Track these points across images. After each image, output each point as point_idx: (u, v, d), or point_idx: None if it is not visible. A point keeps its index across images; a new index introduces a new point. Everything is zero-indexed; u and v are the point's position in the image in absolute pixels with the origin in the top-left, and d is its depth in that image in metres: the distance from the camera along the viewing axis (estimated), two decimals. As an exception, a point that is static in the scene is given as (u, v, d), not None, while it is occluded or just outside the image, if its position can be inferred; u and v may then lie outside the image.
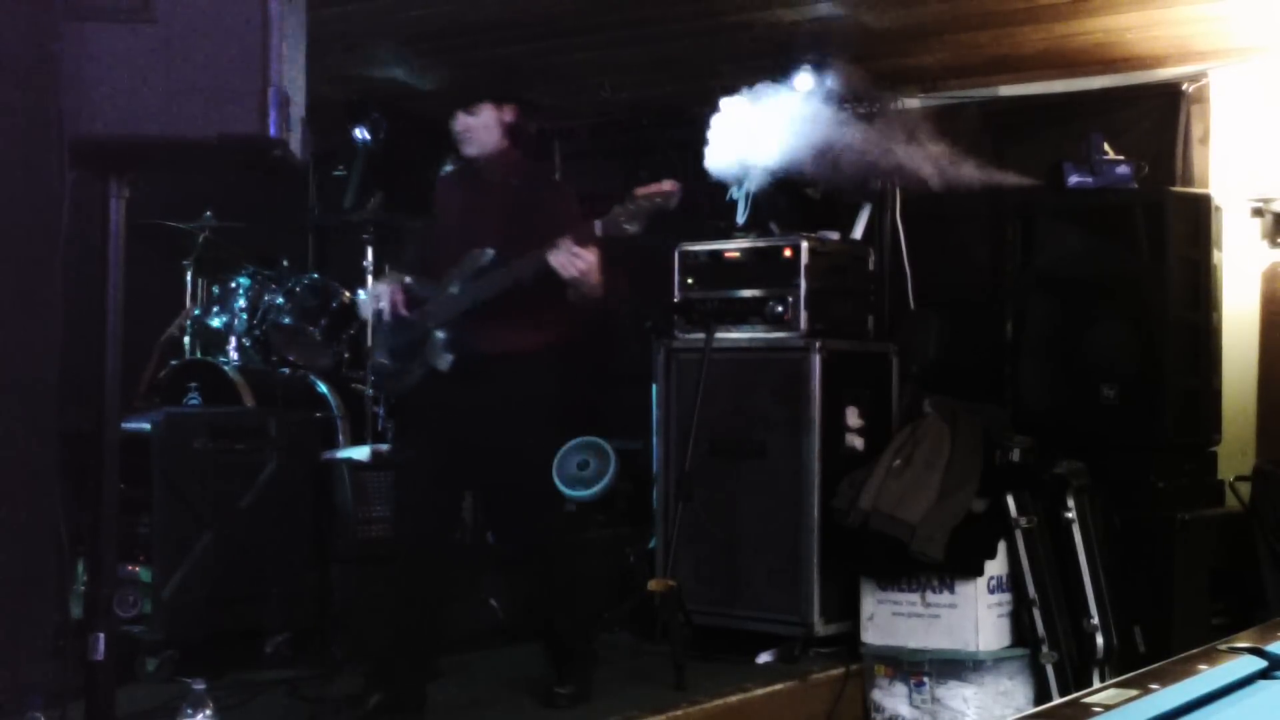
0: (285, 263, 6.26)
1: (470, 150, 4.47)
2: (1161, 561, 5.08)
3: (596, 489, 6.48)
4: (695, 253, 5.68)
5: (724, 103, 5.42)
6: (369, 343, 4.91)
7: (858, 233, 6.11)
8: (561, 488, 6.60)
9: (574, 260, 4.13)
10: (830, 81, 5.51)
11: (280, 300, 5.92)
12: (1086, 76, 5.93)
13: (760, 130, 5.34)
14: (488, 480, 4.57)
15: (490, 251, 4.30)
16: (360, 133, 6.52)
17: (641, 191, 4.19)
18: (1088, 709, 1.65)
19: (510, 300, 4.24)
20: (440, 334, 4.34)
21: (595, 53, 6.00)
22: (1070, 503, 5.05)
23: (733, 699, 4.62)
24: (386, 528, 5.18)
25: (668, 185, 4.20)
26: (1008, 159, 5.80)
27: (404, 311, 4.42)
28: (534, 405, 4.42)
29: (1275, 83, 5.64)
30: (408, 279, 4.51)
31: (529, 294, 4.23)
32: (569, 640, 4.55)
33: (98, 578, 2.78)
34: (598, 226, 4.17)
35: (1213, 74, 5.75)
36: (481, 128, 4.42)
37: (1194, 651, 1.97)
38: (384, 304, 4.43)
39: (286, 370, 5.89)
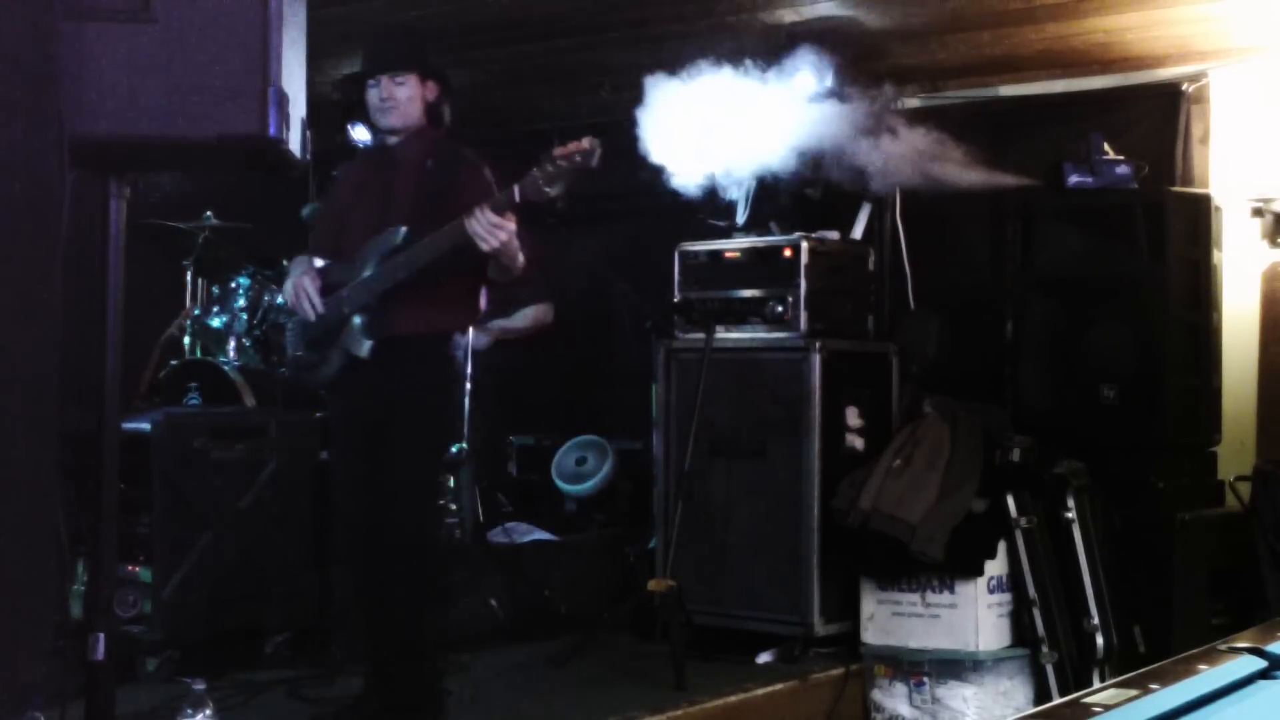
0: (285, 263, 6.25)
1: (390, 120, 4.24)
2: (1161, 561, 5.08)
3: (592, 483, 6.50)
4: (695, 253, 5.68)
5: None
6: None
7: (858, 233, 6.11)
8: (560, 485, 6.61)
9: (493, 230, 3.89)
10: (830, 80, 5.51)
11: (280, 300, 5.92)
12: (1086, 76, 5.93)
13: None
14: (390, 461, 4.15)
15: (403, 229, 4.10)
16: (360, 133, 6.51)
17: (560, 151, 3.92)
18: (1088, 709, 1.65)
19: (427, 278, 4.04)
20: (357, 319, 4.13)
21: (595, 53, 6.00)
22: (1070, 503, 5.06)
23: (733, 699, 4.62)
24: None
25: (586, 143, 3.91)
26: (1008, 159, 5.80)
27: (319, 300, 4.18)
28: (443, 385, 4.30)
29: (1275, 83, 5.64)
30: (318, 262, 4.28)
31: (446, 271, 4.05)
32: (402, 679, 4.08)
33: (98, 578, 2.78)
34: (515, 192, 3.92)
35: (1213, 74, 5.75)
36: (406, 99, 4.22)
37: (1194, 651, 1.97)
38: (306, 302, 4.17)
39: (286, 370, 5.89)
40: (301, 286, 4.19)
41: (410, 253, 4.05)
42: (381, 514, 4.10)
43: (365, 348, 4.11)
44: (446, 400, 4.31)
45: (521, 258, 4.09)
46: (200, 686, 3.37)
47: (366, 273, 4.13)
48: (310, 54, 2.93)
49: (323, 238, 4.40)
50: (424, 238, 4.04)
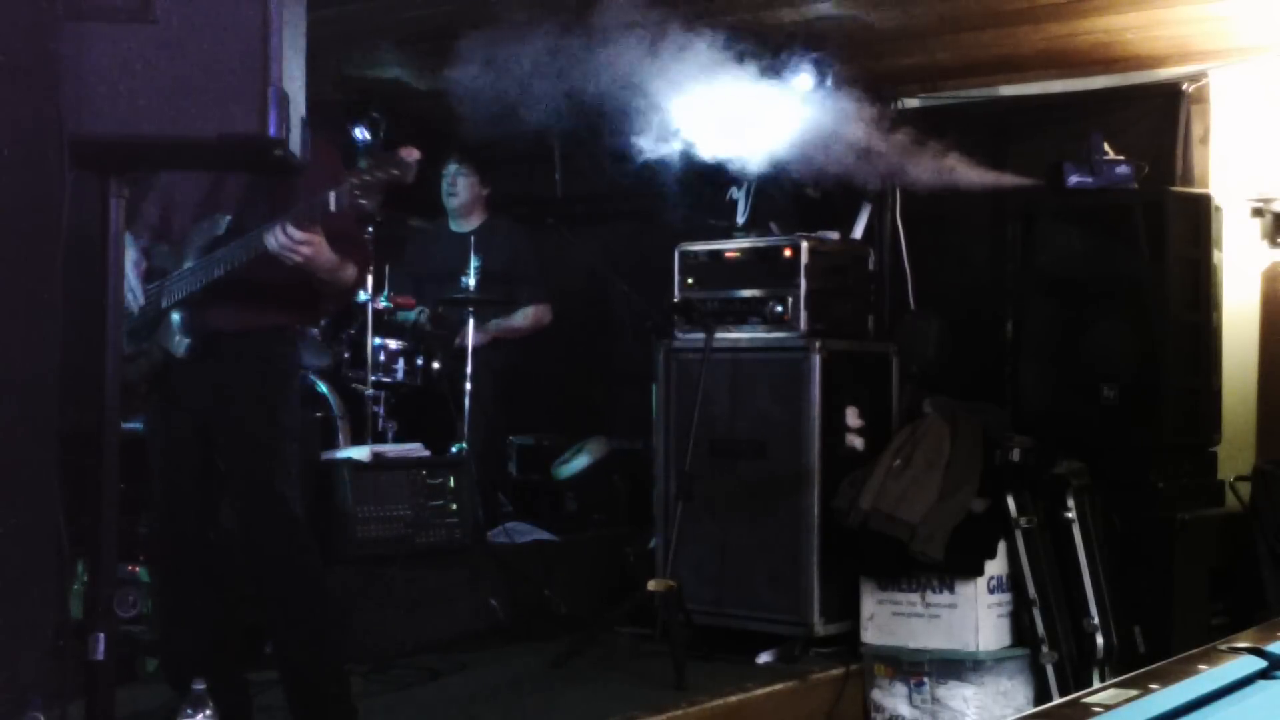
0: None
1: None
2: (1161, 561, 5.09)
3: (575, 463, 6.49)
4: (695, 253, 5.68)
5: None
6: None
7: (858, 233, 6.12)
8: (554, 473, 6.61)
9: (293, 248, 3.56)
10: (830, 80, 5.51)
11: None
12: (1086, 76, 5.94)
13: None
14: (227, 471, 3.86)
15: (225, 219, 3.74)
16: (360, 133, 6.52)
17: (377, 160, 3.64)
18: (1088, 709, 1.65)
19: (252, 274, 3.70)
20: (176, 315, 3.80)
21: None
22: (1070, 503, 5.06)
23: (733, 699, 4.62)
24: (387, 527, 5.19)
25: (404, 153, 3.61)
26: (1008, 159, 5.80)
27: (139, 288, 3.86)
28: (273, 387, 3.86)
29: (1275, 83, 5.65)
30: (142, 242, 3.91)
31: (270, 271, 3.68)
32: (313, 683, 3.85)
33: (98, 578, 2.77)
34: (331, 200, 3.53)
35: (1213, 74, 5.75)
36: None
37: (1194, 651, 1.97)
38: (127, 290, 3.69)
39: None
40: (129, 275, 3.78)
41: (226, 251, 3.71)
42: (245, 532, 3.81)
43: (182, 346, 3.79)
44: (276, 403, 3.86)
45: (349, 270, 3.79)
46: (200, 687, 3.36)
47: (188, 263, 3.79)
48: (310, 54, 2.93)
49: (148, 214, 3.96)
50: (247, 229, 3.69)
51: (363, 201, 3.55)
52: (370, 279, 5.98)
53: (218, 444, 3.82)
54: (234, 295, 3.75)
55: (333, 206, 3.53)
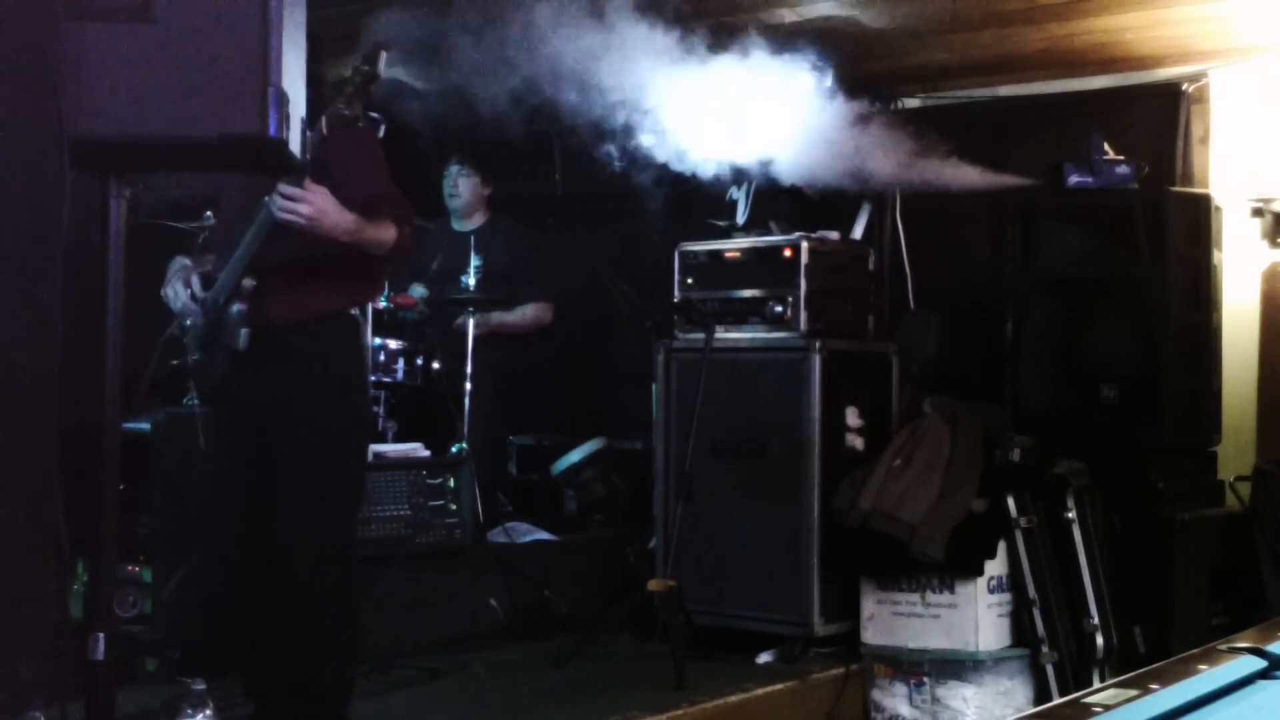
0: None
1: None
2: (1161, 561, 5.09)
3: (570, 454, 6.49)
4: (695, 253, 5.68)
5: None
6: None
7: (858, 233, 6.11)
8: (553, 470, 6.62)
9: (292, 206, 3.50)
10: (830, 80, 5.51)
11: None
12: (1086, 76, 5.94)
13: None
14: (284, 478, 3.76)
15: (266, 201, 3.63)
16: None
17: (348, 75, 3.56)
18: (1088, 709, 1.65)
19: (300, 257, 3.67)
20: (235, 308, 3.74)
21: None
22: (1070, 503, 5.06)
23: (733, 699, 4.62)
24: (387, 527, 5.18)
25: (370, 53, 3.54)
26: (1008, 159, 5.80)
27: (192, 295, 3.84)
28: (330, 388, 3.79)
29: (1275, 83, 5.65)
30: (211, 257, 3.91)
31: (318, 248, 3.65)
32: (319, 697, 3.77)
33: (98, 578, 2.77)
34: (324, 124, 3.44)
35: (1213, 74, 5.75)
36: None
37: (1194, 651, 1.97)
38: (180, 302, 3.83)
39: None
40: (173, 288, 3.87)
41: (251, 229, 3.67)
42: (284, 544, 3.70)
43: (242, 338, 3.71)
44: (345, 393, 3.81)
45: (388, 230, 3.71)
46: (200, 687, 3.37)
47: (235, 254, 3.76)
48: (310, 54, 2.93)
49: (221, 228, 4.03)
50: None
51: (345, 112, 3.48)
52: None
53: (282, 439, 3.74)
54: (284, 283, 3.71)
55: (325, 130, 3.46)
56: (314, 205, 3.53)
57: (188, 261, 3.93)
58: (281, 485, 3.73)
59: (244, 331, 3.71)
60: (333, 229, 3.60)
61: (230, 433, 3.88)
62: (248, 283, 3.73)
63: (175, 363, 5.80)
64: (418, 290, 6.27)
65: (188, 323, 3.96)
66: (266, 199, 3.56)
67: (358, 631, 3.94)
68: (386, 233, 3.74)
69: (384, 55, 3.55)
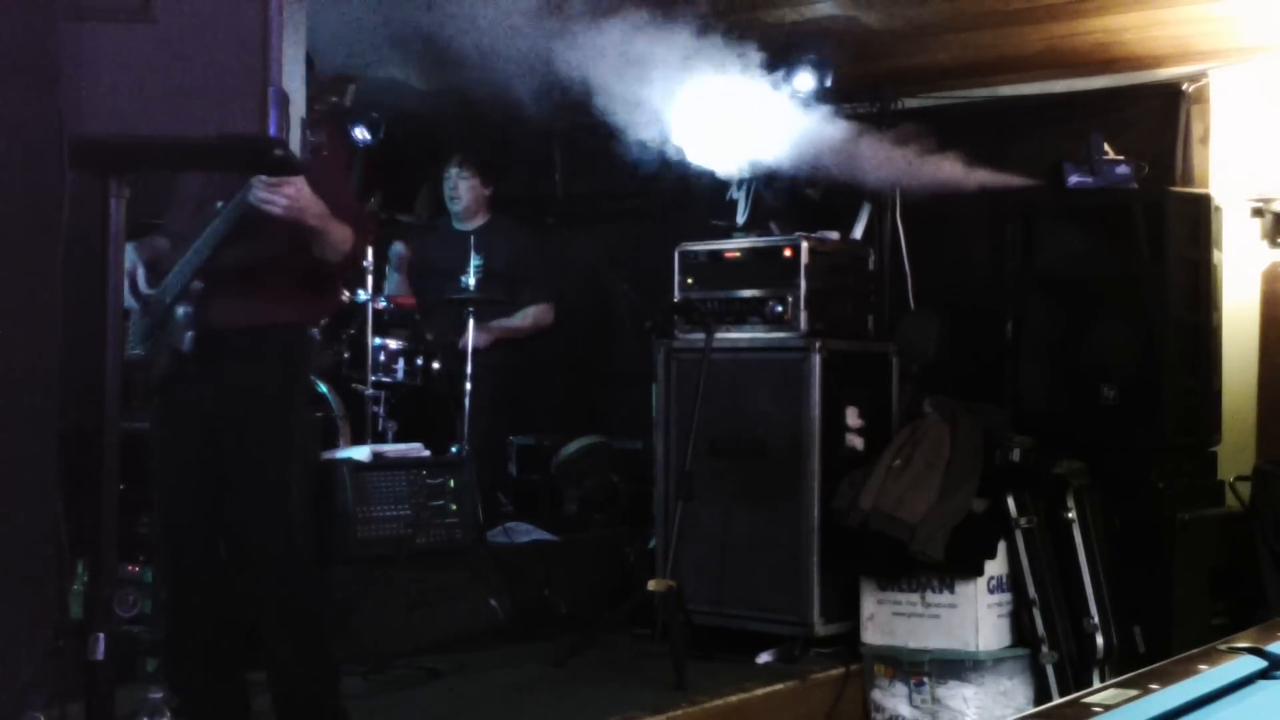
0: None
1: None
2: (1161, 561, 5.09)
3: (571, 445, 6.49)
4: (695, 253, 5.68)
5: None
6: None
7: (858, 233, 6.12)
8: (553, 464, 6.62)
9: (274, 190, 3.49)
10: (830, 80, 5.51)
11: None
12: (1086, 76, 5.94)
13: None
14: (230, 471, 3.77)
15: (219, 203, 3.62)
16: (360, 133, 6.52)
17: (315, 93, 3.44)
18: (1088, 709, 1.65)
19: (251, 263, 3.65)
20: (181, 309, 3.71)
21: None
22: (1070, 503, 5.06)
23: (733, 699, 4.62)
24: (387, 527, 5.19)
25: (339, 84, 3.60)
26: (1008, 159, 5.80)
27: (143, 288, 3.78)
28: (280, 388, 3.79)
29: (1275, 83, 5.65)
30: (160, 240, 3.86)
31: (272, 255, 3.65)
32: (302, 685, 3.79)
33: (98, 578, 2.77)
34: None
35: (1213, 74, 5.75)
36: None
37: (1194, 651, 1.97)
38: (125, 293, 3.67)
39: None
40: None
41: (210, 228, 3.65)
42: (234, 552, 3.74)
43: (187, 341, 3.69)
44: (283, 405, 3.79)
45: (344, 231, 3.69)
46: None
47: (188, 254, 3.72)
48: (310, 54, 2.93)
49: (177, 217, 3.93)
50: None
51: (311, 139, 3.33)
52: (370, 278, 5.99)
53: (223, 444, 3.76)
54: (233, 289, 3.69)
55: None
56: (292, 192, 3.53)
57: (130, 248, 3.77)
58: (223, 487, 3.75)
59: (189, 335, 3.69)
60: (304, 212, 3.58)
61: (174, 432, 3.85)
62: (196, 285, 3.71)
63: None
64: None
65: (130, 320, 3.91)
66: (241, 192, 3.54)
67: (321, 628, 3.91)
68: (346, 233, 3.73)
69: (351, 88, 3.60)
